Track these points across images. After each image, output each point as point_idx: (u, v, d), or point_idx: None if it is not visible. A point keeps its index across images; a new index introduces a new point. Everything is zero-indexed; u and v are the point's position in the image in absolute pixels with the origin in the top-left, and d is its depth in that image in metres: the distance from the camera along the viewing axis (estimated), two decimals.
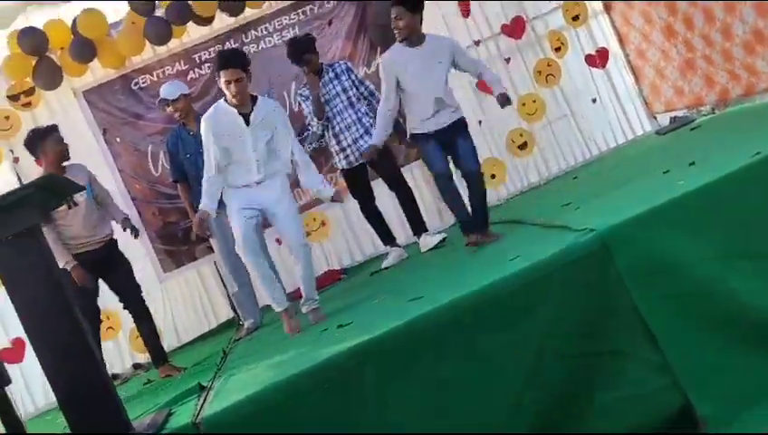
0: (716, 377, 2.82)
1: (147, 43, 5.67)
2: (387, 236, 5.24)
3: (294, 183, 5.94)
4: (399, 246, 5.24)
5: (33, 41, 5.40)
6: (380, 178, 5.24)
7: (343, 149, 5.06)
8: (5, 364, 3.03)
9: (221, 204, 4.07)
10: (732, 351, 2.86)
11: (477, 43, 6.13)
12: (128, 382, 5.17)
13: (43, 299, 2.68)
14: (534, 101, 6.19)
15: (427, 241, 5.00)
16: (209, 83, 5.73)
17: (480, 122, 6.12)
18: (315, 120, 5.01)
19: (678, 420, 2.83)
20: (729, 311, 2.88)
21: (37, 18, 5.54)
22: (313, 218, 5.96)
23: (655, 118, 6.42)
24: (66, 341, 2.69)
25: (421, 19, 4.14)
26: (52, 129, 4.42)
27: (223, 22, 5.88)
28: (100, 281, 4.54)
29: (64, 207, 4.26)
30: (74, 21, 5.49)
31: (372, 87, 5.11)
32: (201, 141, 4.05)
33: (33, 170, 5.13)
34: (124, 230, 4.60)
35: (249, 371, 3.45)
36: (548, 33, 6.31)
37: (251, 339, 4.72)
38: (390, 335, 2.86)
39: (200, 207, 3.98)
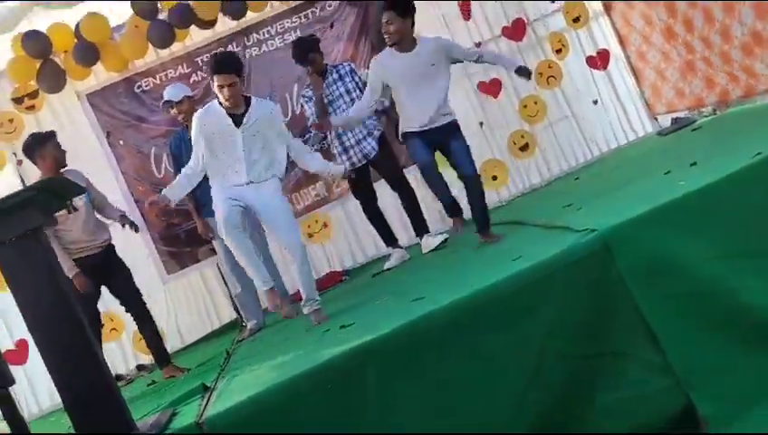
0: (718, 377, 2.82)
1: (150, 46, 5.69)
2: (389, 238, 5.26)
3: (295, 186, 6.01)
4: (401, 248, 5.25)
5: (36, 44, 5.43)
6: (382, 180, 5.26)
7: (346, 151, 5.08)
8: (9, 365, 3.05)
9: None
10: (733, 350, 2.86)
11: (478, 45, 6.13)
12: (132, 383, 5.19)
13: (47, 300, 2.69)
14: (536, 103, 6.20)
15: (429, 242, 5.01)
16: (211, 86, 5.74)
17: (481, 124, 6.13)
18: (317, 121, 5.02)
19: (680, 420, 2.84)
20: (731, 311, 2.88)
21: (41, 22, 5.56)
22: (315, 220, 5.97)
23: (656, 119, 6.43)
24: (70, 341, 2.70)
25: (413, 23, 4.14)
26: (51, 135, 4.45)
27: (225, 25, 5.90)
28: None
29: (64, 211, 4.28)
30: (78, 24, 5.51)
31: None
32: None
33: (36, 173, 5.11)
34: (123, 227, 4.62)
35: (252, 371, 3.46)
36: (549, 35, 6.32)
37: (254, 340, 4.73)
38: (393, 336, 2.87)
39: (163, 192, 4.02)
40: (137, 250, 5.69)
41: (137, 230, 4.73)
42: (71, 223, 4.37)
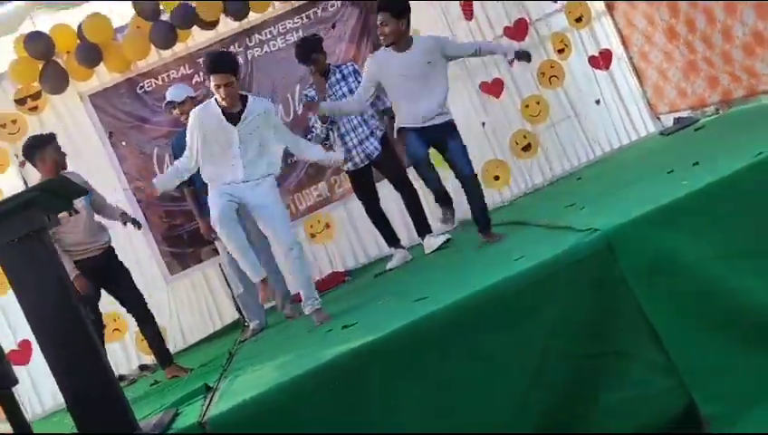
0: (720, 377, 2.82)
1: (152, 47, 5.70)
2: (391, 238, 5.26)
3: (297, 187, 6.01)
4: (404, 248, 5.25)
5: (39, 45, 5.44)
6: (385, 180, 5.26)
7: (348, 151, 5.08)
8: (13, 366, 3.06)
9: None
10: (736, 350, 2.86)
11: None
12: (135, 383, 5.19)
13: (50, 300, 2.69)
14: (538, 103, 6.19)
15: (432, 242, 5.01)
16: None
17: (483, 124, 6.13)
18: (319, 122, 5.03)
19: (683, 420, 2.84)
20: (731, 311, 2.88)
21: (43, 23, 5.57)
22: (318, 220, 5.98)
23: (658, 119, 6.42)
24: (73, 342, 2.71)
25: (408, 24, 4.16)
26: (51, 137, 4.44)
27: (227, 26, 5.91)
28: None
29: (65, 214, 4.28)
30: (80, 25, 5.52)
31: None
32: None
33: (39, 174, 5.15)
34: (125, 224, 4.63)
35: (254, 371, 3.46)
36: (551, 35, 6.31)
37: (256, 340, 4.74)
38: (395, 336, 2.87)
39: (154, 180, 4.10)
40: (139, 251, 5.72)
41: (139, 227, 4.74)
42: (71, 225, 4.37)
